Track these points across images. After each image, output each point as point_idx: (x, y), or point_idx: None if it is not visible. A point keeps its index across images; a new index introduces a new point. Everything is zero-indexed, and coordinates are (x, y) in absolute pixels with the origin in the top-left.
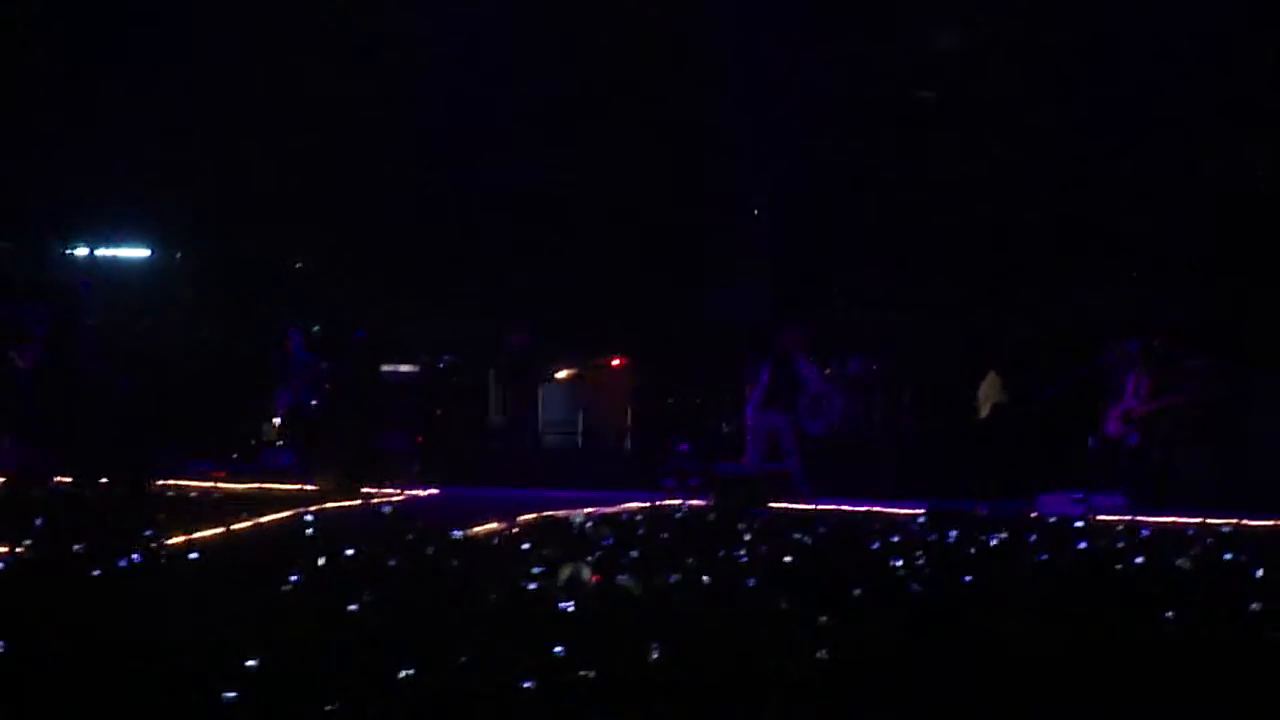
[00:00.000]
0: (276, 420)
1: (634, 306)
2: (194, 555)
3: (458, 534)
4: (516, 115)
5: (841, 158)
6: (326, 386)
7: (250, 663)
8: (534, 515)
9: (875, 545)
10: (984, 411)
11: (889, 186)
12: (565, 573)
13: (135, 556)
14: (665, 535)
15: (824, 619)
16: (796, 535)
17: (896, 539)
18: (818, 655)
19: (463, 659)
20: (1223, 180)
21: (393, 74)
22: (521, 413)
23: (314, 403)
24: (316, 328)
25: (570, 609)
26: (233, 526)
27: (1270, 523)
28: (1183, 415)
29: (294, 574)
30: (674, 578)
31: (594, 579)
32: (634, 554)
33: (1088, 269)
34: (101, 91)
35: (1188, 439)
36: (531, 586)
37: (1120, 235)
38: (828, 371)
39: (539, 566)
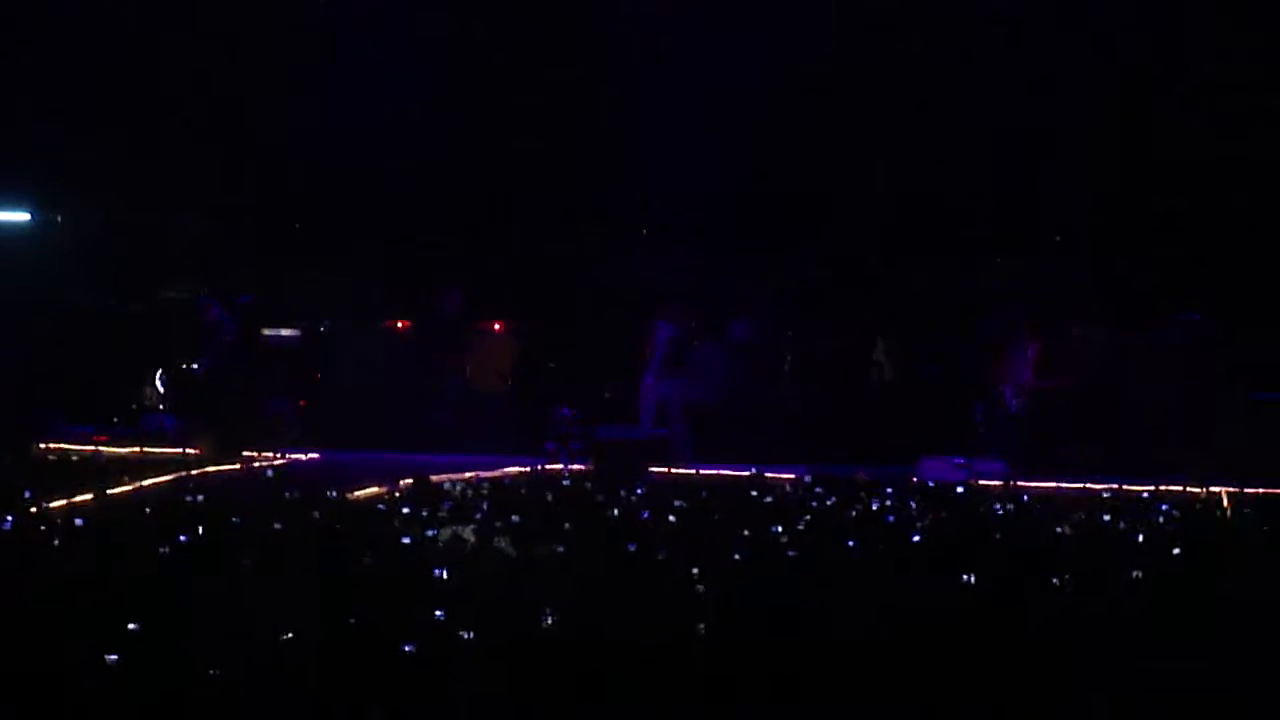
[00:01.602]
0: (158, 384)
1: (519, 270)
2: (76, 519)
3: (332, 495)
4: (412, 75)
5: (736, 124)
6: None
7: (131, 626)
8: (412, 480)
9: (755, 509)
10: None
11: (783, 153)
12: (445, 536)
13: (10, 519)
14: (547, 499)
15: (701, 585)
16: (677, 500)
17: (773, 502)
18: (696, 627)
19: (346, 621)
20: (1105, 146)
21: (285, 25)
22: (449, 377)
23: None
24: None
25: (446, 574)
26: (113, 490)
27: (1147, 489)
28: (1070, 387)
29: (175, 538)
30: (553, 544)
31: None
32: (514, 518)
33: (973, 237)
34: None
35: (1072, 407)
36: (410, 548)
37: (1003, 203)
38: (709, 337)
39: (419, 530)
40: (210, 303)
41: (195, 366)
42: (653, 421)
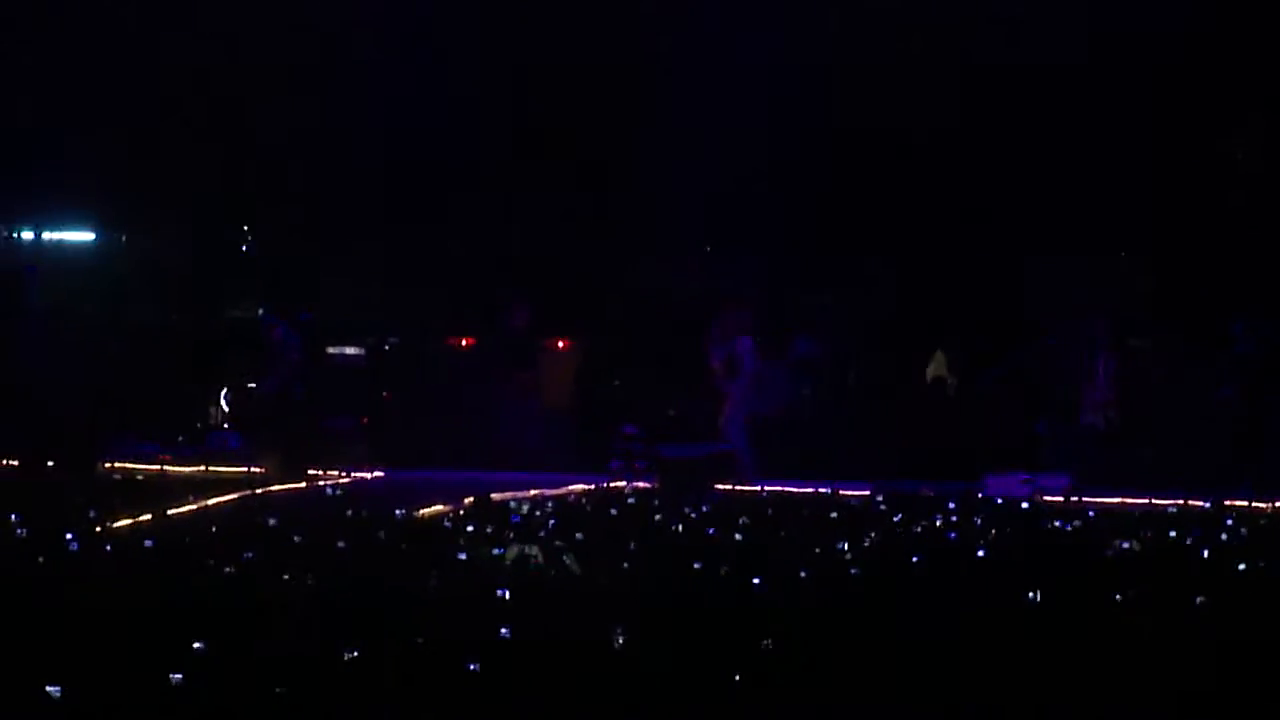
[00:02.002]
0: (223, 403)
1: (580, 287)
2: (142, 537)
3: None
4: (458, 94)
5: (785, 137)
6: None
7: (197, 645)
8: (476, 497)
9: (820, 527)
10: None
11: (836, 164)
12: (511, 555)
13: (79, 539)
14: (611, 516)
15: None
16: (741, 518)
17: (841, 520)
18: (762, 644)
19: (412, 640)
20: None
21: (339, 51)
22: (523, 393)
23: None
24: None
25: (508, 593)
26: (178, 509)
27: (1209, 503)
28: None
29: (240, 556)
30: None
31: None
32: (578, 536)
33: (1036, 250)
34: (44, 73)
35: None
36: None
37: (1063, 216)
38: (772, 354)
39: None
40: (275, 322)
41: (260, 386)
42: (735, 439)
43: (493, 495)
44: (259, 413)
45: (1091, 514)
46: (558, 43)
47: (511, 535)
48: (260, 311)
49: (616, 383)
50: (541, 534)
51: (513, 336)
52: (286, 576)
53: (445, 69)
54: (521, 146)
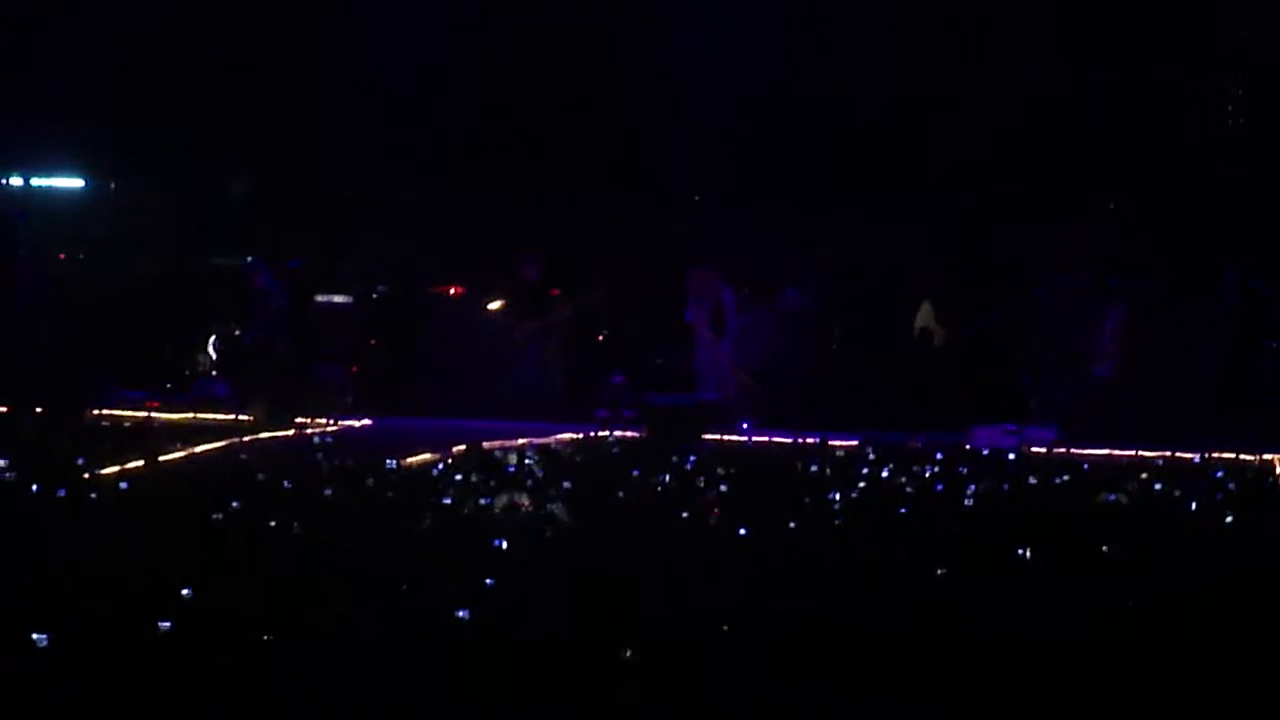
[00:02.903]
0: (211, 350)
1: (570, 239)
2: (125, 485)
3: (391, 464)
4: (451, 47)
5: (772, 90)
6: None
7: (185, 592)
8: (465, 446)
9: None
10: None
11: (823, 120)
12: (501, 502)
13: (66, 487)
14: (600, 465)
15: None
16: (729, 467)
17: (830, 471)
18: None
19: (401, 588)
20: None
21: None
22: (541, 349)
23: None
24: (296, 263)
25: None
26: (165, 456)
27: (1197, 456)
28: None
29: (228, 503)
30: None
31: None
32: (566, 484)
33: (1023, 203)
34: (32, 20)
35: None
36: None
37: (1051, 172)
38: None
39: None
40: (259, 268)
41: (244, 333)
42: (728, 390)
43: (483, 444)
44: (246, 361)
45: (1086, 466)
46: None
47: (498, 483)
48: (248, 259)
49: (604, 334)
50: (529, 483)
51: (526, 289)
52: (272, 523)
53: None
54: (510, 101)
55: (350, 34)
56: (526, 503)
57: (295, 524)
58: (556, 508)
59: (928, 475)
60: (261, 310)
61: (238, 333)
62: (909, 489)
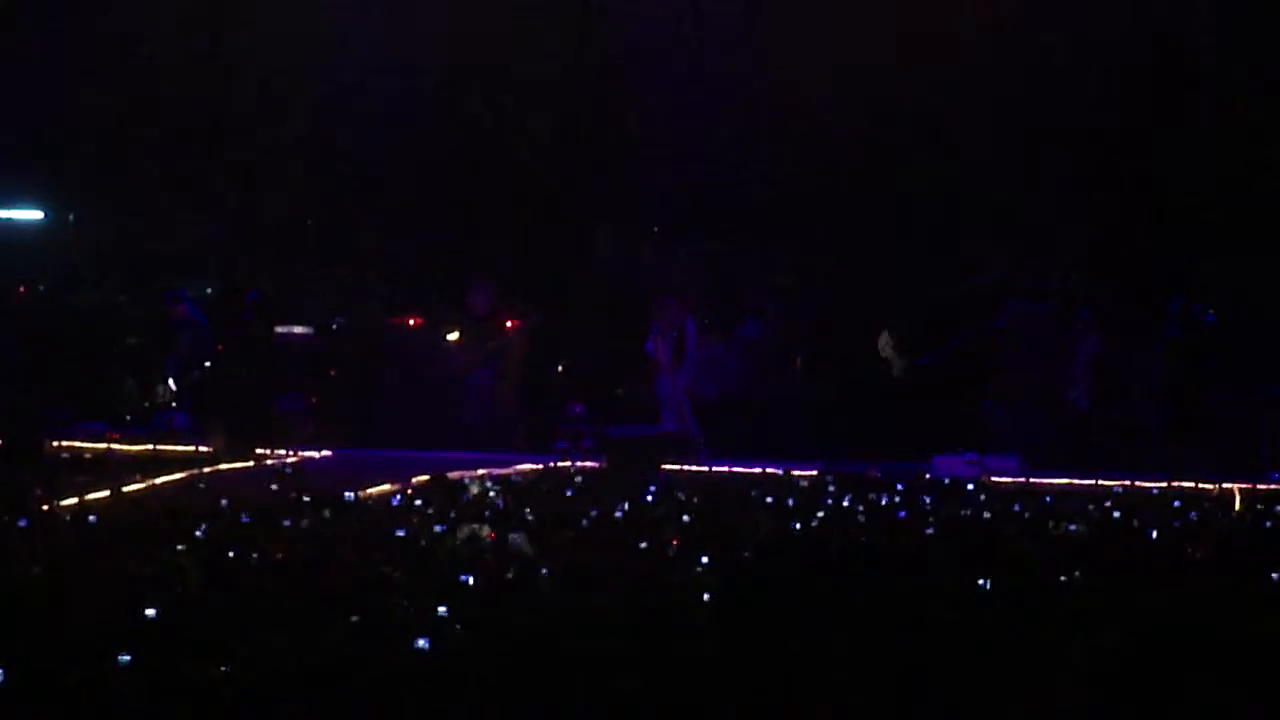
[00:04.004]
0: (170, 382)
1: (529, 269)
2: (89, 516)
3: (350, 496)
4: (407, 79)
5: (729, 120)
6: (219, 348)
7: (147, 614)
8: (427, 477)
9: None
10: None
11: (782, 147)
12: (462, 534)
13: (28, 518)
14: (561, 496)
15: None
16: (690, 497)
17: (791, 501)
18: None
19: (354, 619)
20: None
21: (284, 34)
22: (484, 371)
23: (206, 364)
24: (209, 290)
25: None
26: (126, 488)
27: (1161, 484)
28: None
29: (187, 536)
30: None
31: (489, 536)
32: (528, 515)
33: (985, 234)
34: None
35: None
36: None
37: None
38: (718, 335)
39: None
40: (180, 297)
41: (166, 363)
42: (676, 419)
43: (445, 475)
44: (206, 392)
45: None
46: (515, 29)
47: (458, 516)
48: (171, 291)
49: (563, 365)
50: (487, 514)
51: (474, 316)
52: (231, 555)
53: (395, 49)
54: (472, 127)
55: (309, 65)
56: (487, 534)
57: (253, 555)
58: (518, 538)
59: (884, 503)
60: (181, 339)
61: (202, 364)
62: (864, 519)
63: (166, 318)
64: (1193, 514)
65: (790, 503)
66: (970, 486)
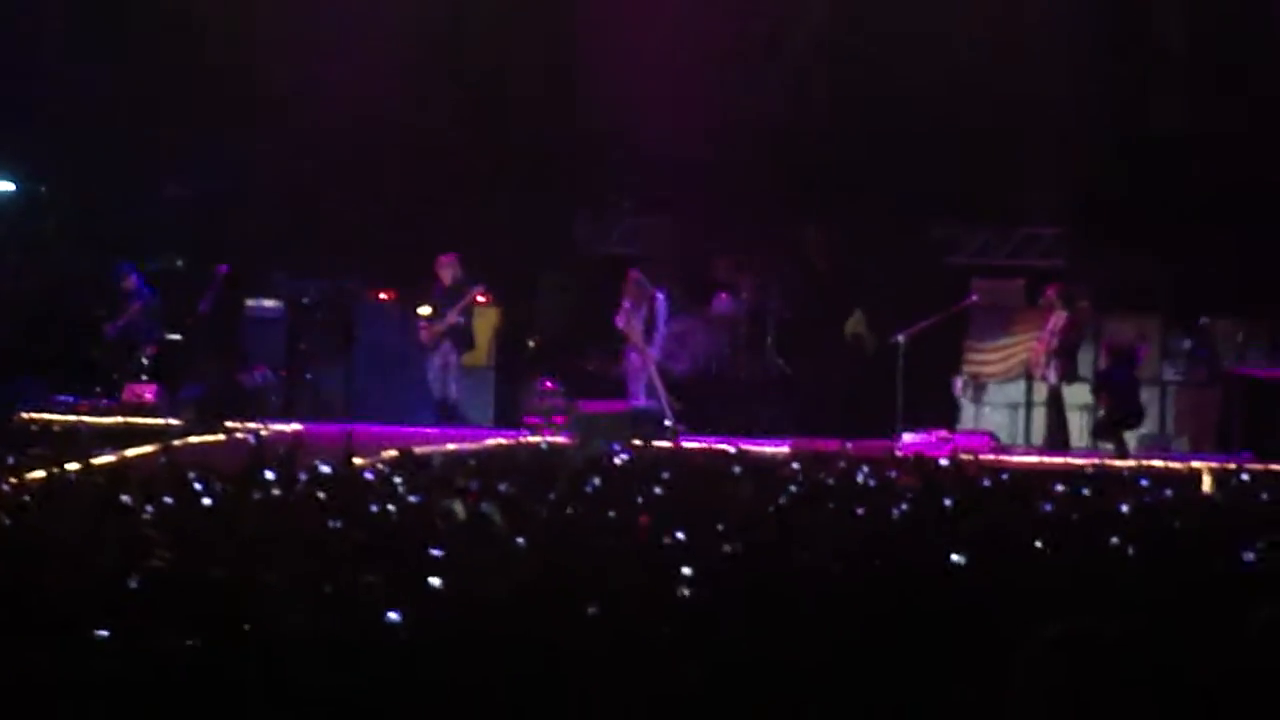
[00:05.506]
0: (141, 355)
1: (500, 243)
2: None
3: (324, 468)
4: (383, 48)
5: (703, 94)
6: (188, 321)
7: (118, 589)
8: (396, 451)
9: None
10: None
11: (754, 124)
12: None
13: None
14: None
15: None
16: (661, 472)
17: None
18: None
19: (327, 590)
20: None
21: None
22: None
23: (140, 336)
24: (180, 262)
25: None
26: (95, 460)
27: (1133, 463)
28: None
29: (154, 508)
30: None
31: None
32: (500, 488)
33: (954, 210)
34: None
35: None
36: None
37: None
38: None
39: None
40: (129, 270)
41: (108, 330)
42: (658, 396)
43: (414, 449)
44: (176, 365)
45: (1004, 475)
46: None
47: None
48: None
49: (533, 340)
50: (461, 487)
51: (440, 289)
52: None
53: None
54: (445, 106)
55: (285, 39)
56: (459, 508)
57: (225, 527)
58: (489, 508)
59: (859, 480)
60: (131, 310)
61: (150, 336)
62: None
63: (116, 292)
64: (1166, 491)
65: (762, 481)
66: (941, 463)
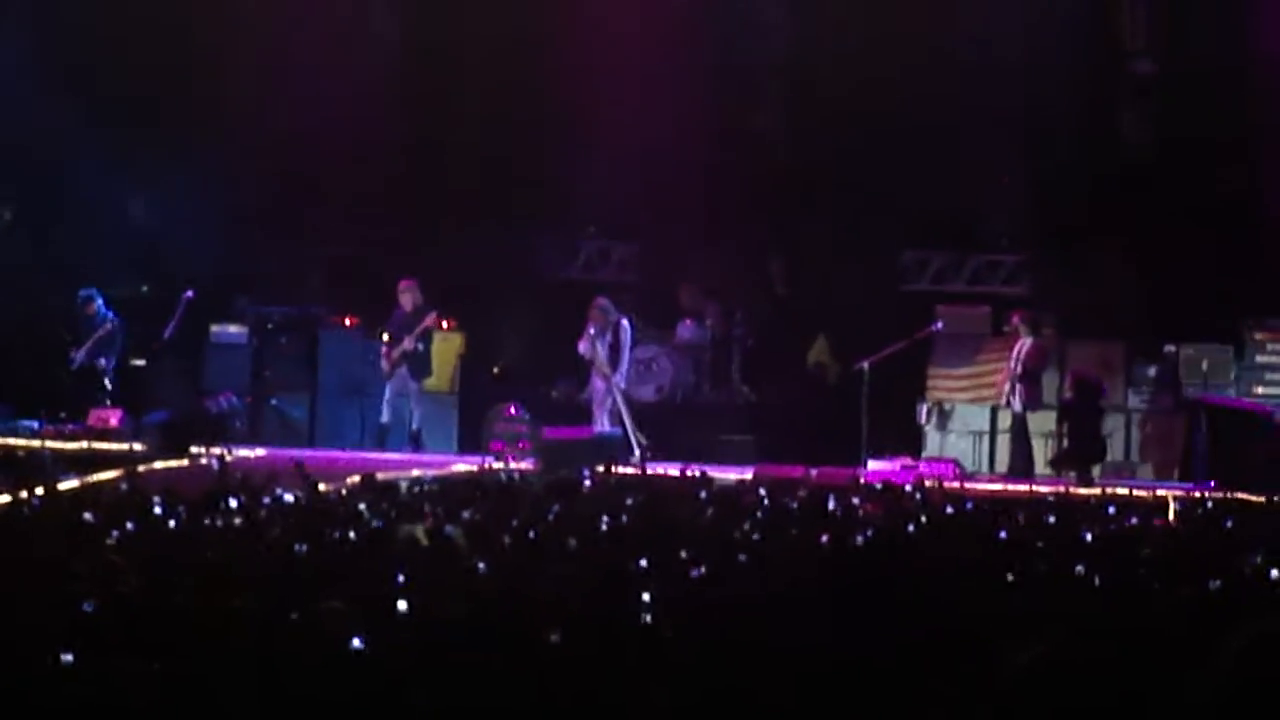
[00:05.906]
0: (105, 380)
1: (464, 269)
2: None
3: (288, 497)
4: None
5: (668, 122)
6: (154, 346)
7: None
8: (360, 476)
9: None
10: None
11: (718, 152)
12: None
13: None
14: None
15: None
16: (625, 499)
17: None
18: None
19: (292, 616)
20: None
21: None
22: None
23: (104, 362)
24: (145, 288)
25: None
26: (59, 485)
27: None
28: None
29: (119, 532)
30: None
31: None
32: (464, 514)
33: (916, 237)
34: None
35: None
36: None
37: (950, 207)
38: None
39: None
40: (94, 297)
41: (73, 356)
42: (623, 423)
43: (377, 475)
44: (140, 390)
45: (969, 503)
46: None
47: (395, 513)
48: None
49: (497, 367)
50: (425, 513)
51: (401, 315)
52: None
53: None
54: (406, 124)
55: (250, 65)
56: (422, 534)
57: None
58: (453, 531)
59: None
60: (93, 336)
61: (107, 362)
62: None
63: (79, 318)
64: (1132, 518)
65: (723, 507)
66: (906, 490)
